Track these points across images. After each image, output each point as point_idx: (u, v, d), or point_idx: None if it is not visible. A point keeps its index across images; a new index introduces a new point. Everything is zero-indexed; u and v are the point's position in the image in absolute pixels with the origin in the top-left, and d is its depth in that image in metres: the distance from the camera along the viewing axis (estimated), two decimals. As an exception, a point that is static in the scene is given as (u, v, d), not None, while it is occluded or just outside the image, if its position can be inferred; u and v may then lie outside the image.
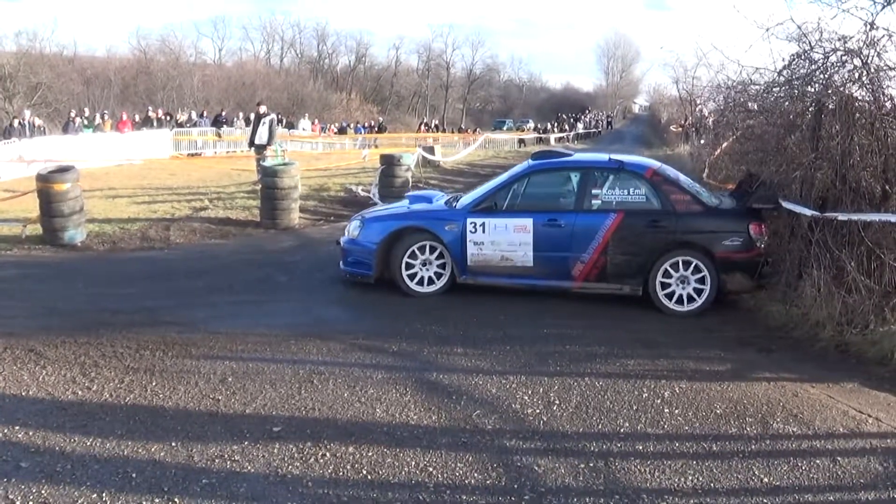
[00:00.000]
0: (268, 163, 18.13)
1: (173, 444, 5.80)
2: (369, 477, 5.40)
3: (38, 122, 36.46)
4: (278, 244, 14.81)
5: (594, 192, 10.42)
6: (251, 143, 22.89)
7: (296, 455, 5.69)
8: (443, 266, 10.66)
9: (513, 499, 5.14)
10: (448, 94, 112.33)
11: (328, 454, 5.71)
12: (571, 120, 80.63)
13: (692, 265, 10.08)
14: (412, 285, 10.62)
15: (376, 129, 60.03)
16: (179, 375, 7.27)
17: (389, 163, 20.45)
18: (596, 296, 10.32)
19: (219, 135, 39.38)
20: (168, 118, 43.02)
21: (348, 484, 5.30)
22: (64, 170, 14.52)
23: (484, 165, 33.39)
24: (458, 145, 45.34)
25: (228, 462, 5.55)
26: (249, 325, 9.00)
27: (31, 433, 5.95)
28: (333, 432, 6.09)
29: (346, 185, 22.85)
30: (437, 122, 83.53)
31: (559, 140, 65.98)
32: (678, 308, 10.11)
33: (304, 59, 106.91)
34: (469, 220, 10.50)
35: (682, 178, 11.13)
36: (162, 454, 5.64)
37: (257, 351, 8.09)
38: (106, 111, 45.51)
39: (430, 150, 30.50)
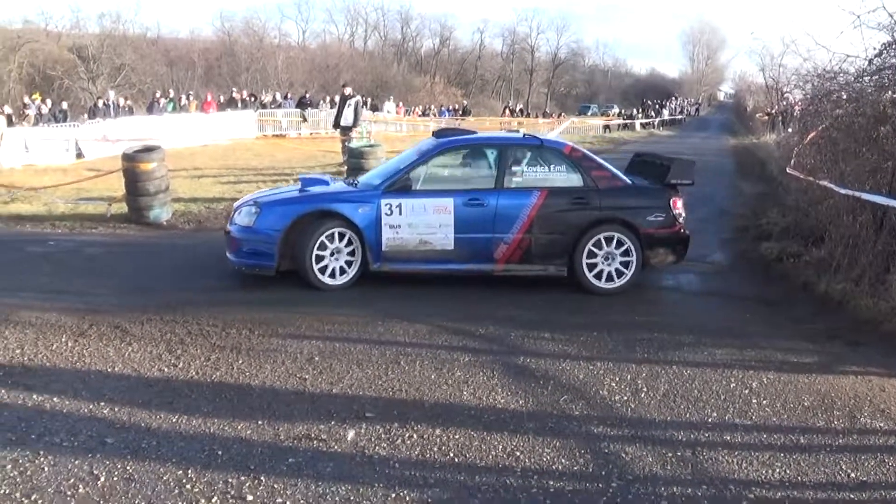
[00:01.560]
0: (353, 144, 18.27)
1: (260, 422, 5.91)
2: (456, 460, 5.44)
3: (122, 102, 37.22)
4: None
5: (514, 169, 10.24)
6: (336, 125, 23.12)
7: (382, 436, 5.75)
8: (352, 254, 9.93)
9: (600, 486, 5.16)
10: (532, 78, 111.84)
11: (415, 436, 5.77)
12: (657, 106, 79.70)
13: (615, 241, 10.09)
14: (324, 278, 9.83)
15: (460, 112, 59.97)
16: (266, 354, 7.39)
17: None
18: (679, 285, 10.24)
19: (303, 117, 39.71)
20: (252, 99, 43.55)
21: (435, 466, 5.35)
22: (150, 149, 14.79)
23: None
24: (542, 130, 45.11)
25: (315, 441, 5.63)
26: (335, 305, 9.09)
27: (116, 409, 6.09)
28: (420, 414, 6.15)
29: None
30: (521, 106, 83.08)
31: (644, 126, 65.37)
32: (605, 285, 10.13)
33: (388, 41, 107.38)
34: (384, 202, 9.88)
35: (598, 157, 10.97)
36: (248, 432, 5.74)
37: (344, 331, 8.19)
38: (191, 92, 46.24)
39: (515, 134, 30.31)
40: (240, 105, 40.80)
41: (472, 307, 9.26)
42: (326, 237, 9.76)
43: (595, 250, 10.03)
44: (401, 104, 58.13)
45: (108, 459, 5.27)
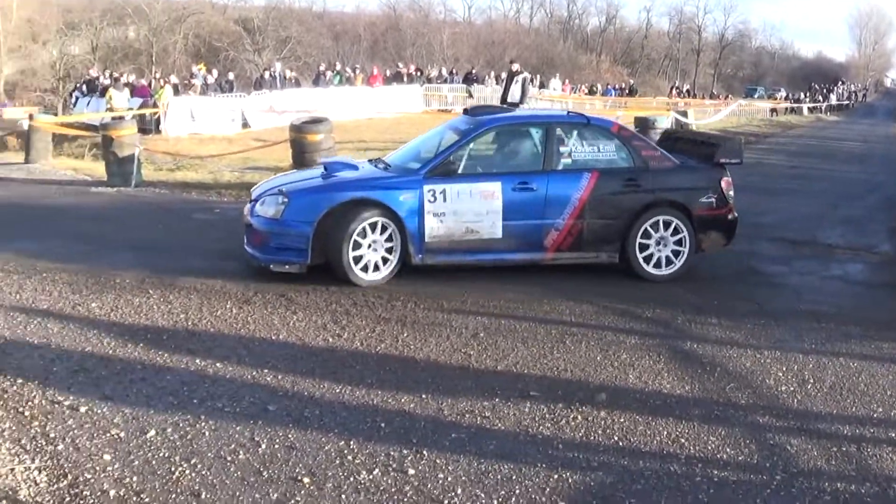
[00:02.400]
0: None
1: (423, 396, 5.89)
2: (620, 444, 5.35)
3: (289, 74, 37.99)
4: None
5: (562, 150, 9.56)
6: (503, 101, 23.04)
7: (547, 416, 5.69)
8: (389, 247, 8.92)
9: (764, 478, 5.02)
10: (699, 58, 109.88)
11: (579, 417, 5.69)
12: (824, 91, 77.48)
13: (671, 225, 9.54)
14: (361, 273, 8.78)
15: (627, 91, 59.44)
16: (431, 328, 7.40)
17: (644, 126, 20.16)
18: (846, 275, 9.94)
19: (469, 92, 39.83)
20: (419, 74, 43.87)
21: (598, 449, 5.26)
22: (317, 121, 14.99)
23: (736, 132, 32.36)
24: (709, 111, 44.22)
25: (479, 418, 5.59)
26: (502, 282, 9.03)
27: (279, 377, 6.17)
28: (585, 395, 6.08)
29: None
30: (688, 86, 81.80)
31: (811, 111, 63.75)
32: (658, 272, 9.59)
33: (554, 18, 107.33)
34: (427, 188, 8.99)
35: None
36: (412, 406, 5.73)
37: (510, 308, 8.15)
38: (357, 66, 46.87)
39: (683, 114, 29.86)
40: (405, 80, 41.17)
41: (638, 289, 9.12)
42: (364, 228, 8.74)
43: (649, 234, 9.51)
44: (567, 82, 57.94)
45: (270, 427, 5.33)
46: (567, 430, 5.48)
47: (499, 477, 4.80)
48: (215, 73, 38.06)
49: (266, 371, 6.26)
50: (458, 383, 6.17)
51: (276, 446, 5.06)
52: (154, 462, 4.83)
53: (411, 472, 4.81)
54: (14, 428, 5.25)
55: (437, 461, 4.95)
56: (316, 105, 27.32)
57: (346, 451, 5.01)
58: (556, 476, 4.84)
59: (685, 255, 9.57)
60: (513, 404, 5.82)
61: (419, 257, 8.98)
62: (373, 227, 8.75)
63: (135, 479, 4.64)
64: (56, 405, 5.61)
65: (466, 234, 9.08)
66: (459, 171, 9.16)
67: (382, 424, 5.41)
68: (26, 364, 6.32)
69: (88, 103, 34.41)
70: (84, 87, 37.89)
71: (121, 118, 21.27)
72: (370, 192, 8.90)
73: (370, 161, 10.34)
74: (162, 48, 65.56)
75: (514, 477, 4.80)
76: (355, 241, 8.65)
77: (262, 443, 5.10)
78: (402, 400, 5.80)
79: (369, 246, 8.76)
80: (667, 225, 9.50)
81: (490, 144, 9.85)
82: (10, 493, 4.47)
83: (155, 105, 28.96)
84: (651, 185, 9.52)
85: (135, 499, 4.43)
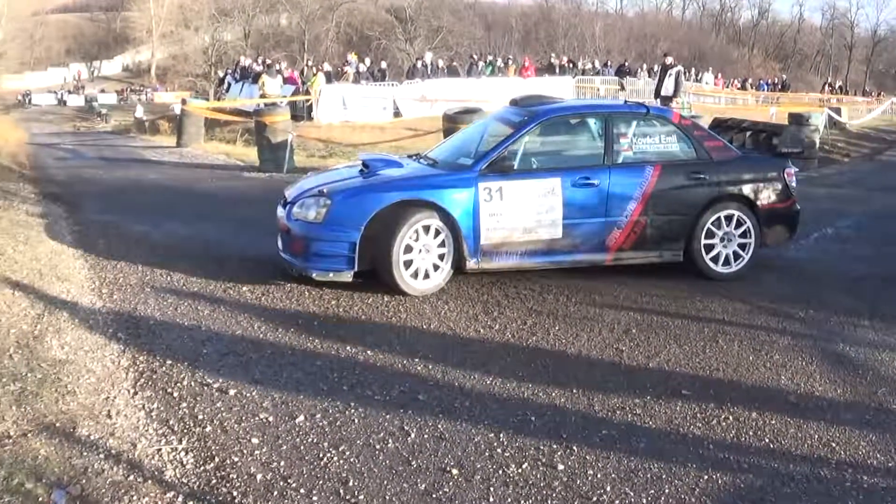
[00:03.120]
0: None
1: (574, 391, 5.85)
2: (771, 446, 5.23)
3: (440, 63, 38.26)
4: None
5: (622, 142, 8.99)
6: (657, 94, 22.98)
7: (698, 415, 5.60)
8: (441, 253, 8.27)
9: None
10: (851, 54, 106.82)
11: (731, 418, 5.59)
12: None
13: (734, 219, 9.05)
14: (412, 281, 8.14)
15: (780, 86, 58.17)
16: (583, 322, 7.36)
17: (798, 122, 19.71)
18: None
19: (622, 85, 39.51)
20: (571, 66, 43.71)
21: (749, 451, 5.15)
22: (470, 111, 15.07)
23: (889, 131, 31.40)
24: (861, 109, 42.83)
25: (629, 415, 5.54)
26: (653, 278, 8.92)
27: (430, 366, 6.21)
28: (737, 395, 5.97)
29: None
30: (840, 83, 79.55)
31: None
32: (726, 270, 9.09)
33: (706, 11, 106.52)
34: (482, 186, 8.34)
35: None
36: (562, 400, 5.70)
37: (661, 304, 8.07)
38: (509, 56, 46.95)
39: (837, 111, 29.05)
40: (557, 71, 41.05)
41: (790, 288, 8.92)
42: (415, 231, 8.10)
43: (714, 230, 9.03)
44: (719, 76, 57.06)
45: (420, 416, 5.36)
46: (718, 431, 5.39)
47: (648, 476, 4.74)
48: (367, 61, 38.56)
49: (416, 360, 6.32)
50: (609, 379, 6.12)
51: (426, 436, 5.09)
52: (302, 447, 4.91)
53: (560, 467, 4.78)
54: (162, 408, 5.40)
55: (587, 457, 4.91)
56: (468, 95, 27.36)
57: (495, 444, 5.01)
58: (705, 477, 4.76)
59: (751, 251, 9.16)
60: (664, 402, 5.75)
61: (474, 261, 8.36)
62: (425, 229, 8.14)
63: (282, 463, 4.72)
64: (205, 387, 5.76)
65: (524, 235, 8.46)
66: (516, 167, 8.53)
67: (533, 418, 5.39)
68: (176, 345, 6.52)
69: (241, 89, 35.30)
70: (237, 73, 38.90)
71: (274, 105, 21.73)
72: (422, 192, 8.25)
73: (411, 156, 9.81)
74: (314, 36, 67.09)
75: (663, 476, 4.74)
76: (406, 245, 8.03)
77: (411, 432, 5.13)
78: (553, 394, 5.77)
79: (419, 251, 8.12)
80: (729, 219, 9.09)
81: (546, 137, 9.18)
82: (157, 473, 4.58)
83: (307, 92, 29.50)
84: (716, 178, 9.07)
85: (282, 483, 4.51)
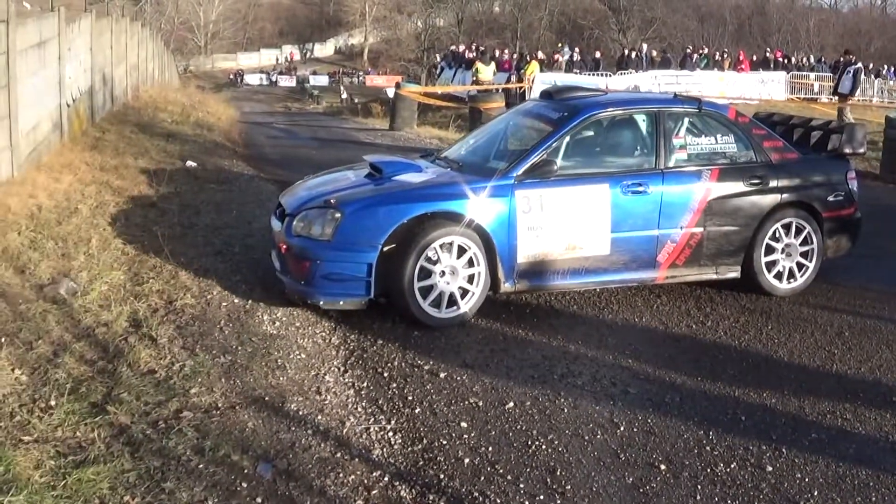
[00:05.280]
0: (893, 114, 17.39)
1: (785, 392, 5.86)
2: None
3: (654, 54, 38.11)
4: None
5: (675, 142, 7.94)
6: (834, 91, 22.85)
7: (911, 423, 5.54)
8: (470, 274, 7.09)
9: None
10: None
11: (942, 428, 5.50)
12: None
13: (792, 228, 8.13)
14: (432, 310, 6.95)
15: None
16: (795, 323, 7.32)
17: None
18: None
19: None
20: (786, 61, 42.67)
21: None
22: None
23: None
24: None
25: (839, 420, 5.51)
26: (866, 280, 8.73)
27: (640, 360, 6.32)
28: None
29: None
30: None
31: None
32: (787, 286, 8.14)
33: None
34: (520, 194, 7.21)
35: None
36: (773, 401, 5.72)
37: (875, 308, 7.87)
38: (726, 50, 46.14)
39: None
40: (771, 66, 40.13)
41: None
42: (435, 249, 6.94)
43: (773, 243, 8.10)
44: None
45: (629, 409, 5.49)
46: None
47: (856, 482, 4.74)
48: (577, 50, 38.62)
49: (627, 353, 6.43)
50: (820, 382, 6.09)
51: (635, 430, 5.21)
52: (511, 434, 5.10)
53: (769, 468, 4.83)
54: (372, 388, 5.69)
55: (796, 460, 4.94)
56: (680, 88, 27.16)
57: (704, 442, 5.09)
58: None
59: (812, 264, 8.25)
60: (875, 409, 5.69)
61: (509, 283, 7.28)
62: (448, 247, 6.99)
63: (490, 449, 4.91)
64: (415, 368, 6.04)
65: (568, 252, 7.41)
66: (558, 171, 7.40)
67: (742, 417, 5.44)
68: (387, 326, 6.84)
69: (454, 75, 35.80)
70: (450, 59, 39.48)
71: (488, 91, 21.99)
72: (450, 203, 7.10)
73: (427, 157, 8.69)
74: (527, 24, 67.33)
75: (871, 484, 4.74)
76: (422, 266, 6.88)
77: (620, 425, 5.26)
78: (764, 394, 5.79)
79: (442, 273, 6.97)
80: (787, 228, 8.18)
81: (590, 136, 8.08)
82: (364, 451, 4.82)
83: (520, 80, 29.71)
84: (777, 183, 8.13)
85: (489, 469, 4.69)
